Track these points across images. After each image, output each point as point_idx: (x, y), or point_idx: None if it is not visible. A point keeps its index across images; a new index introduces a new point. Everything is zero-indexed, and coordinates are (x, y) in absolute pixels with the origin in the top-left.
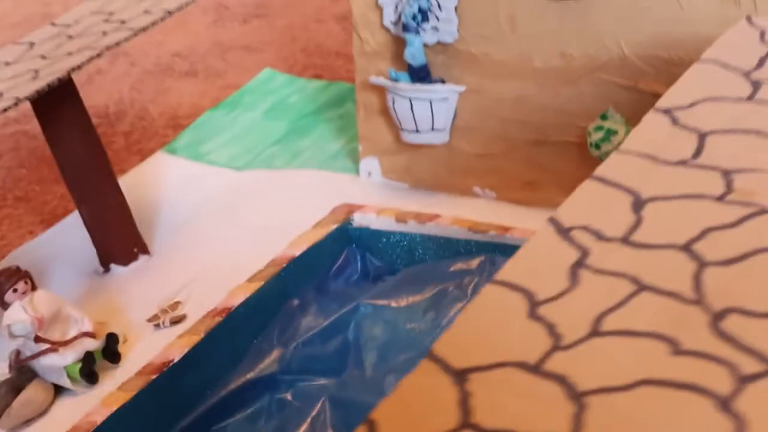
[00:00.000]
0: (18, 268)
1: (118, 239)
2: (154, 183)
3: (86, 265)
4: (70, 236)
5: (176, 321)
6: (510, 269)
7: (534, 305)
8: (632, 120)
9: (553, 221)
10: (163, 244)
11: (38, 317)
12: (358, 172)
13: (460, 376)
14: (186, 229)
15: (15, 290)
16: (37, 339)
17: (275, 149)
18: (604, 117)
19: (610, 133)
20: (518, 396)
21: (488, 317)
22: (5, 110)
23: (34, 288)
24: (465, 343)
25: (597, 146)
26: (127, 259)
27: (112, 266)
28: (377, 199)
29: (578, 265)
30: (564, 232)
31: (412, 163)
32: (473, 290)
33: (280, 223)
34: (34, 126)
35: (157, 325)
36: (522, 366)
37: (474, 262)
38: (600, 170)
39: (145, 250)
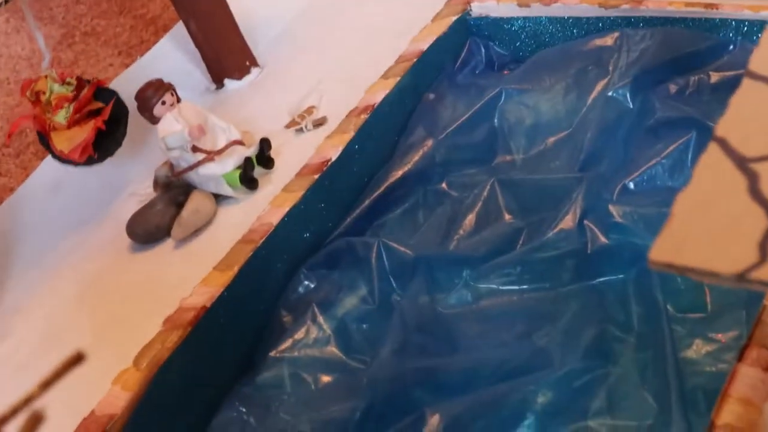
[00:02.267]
0: (162, 80)
1: (230, 53)
2: None
3: (197, 83)
4: (167, 59)
5: (319, 124)
6: None
7: None
8: None
9: None
10: (269, 55)
11: (196, 126)
12: None
13: None
14: (286, 39)
15: (163, 103)
16: (194, 149)
17: None
18: None
19: None
20: None
21: None
22: None
23: (179, 100)
24: None
25: None
26: (240, 72)
27: (226, 81)
28: None
29: None
30: None
31: None
32: (614, 66)
33: (387, 23)
34: None
35: (300, 130)
36: None
37: (610, 39)
38: None
39: (255, 63)
